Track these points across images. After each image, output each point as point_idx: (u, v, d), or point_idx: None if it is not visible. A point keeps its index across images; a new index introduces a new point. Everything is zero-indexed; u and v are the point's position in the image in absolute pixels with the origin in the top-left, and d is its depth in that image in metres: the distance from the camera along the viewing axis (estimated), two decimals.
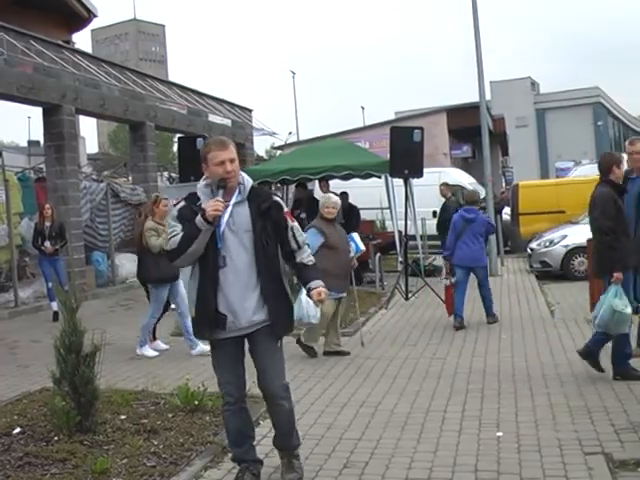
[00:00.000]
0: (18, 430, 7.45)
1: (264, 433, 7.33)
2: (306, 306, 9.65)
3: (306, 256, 6.09)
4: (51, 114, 20.01)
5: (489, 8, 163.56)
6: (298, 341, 11.21)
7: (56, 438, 7.12)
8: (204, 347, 10.69)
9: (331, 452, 6.85)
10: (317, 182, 20.25)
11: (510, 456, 6.49)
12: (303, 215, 18.77)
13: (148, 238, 11.50)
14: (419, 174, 17.43)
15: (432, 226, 22.54)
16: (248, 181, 5.96)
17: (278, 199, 6.09)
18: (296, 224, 6.09)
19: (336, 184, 20.01)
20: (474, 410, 8.00)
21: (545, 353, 10.67)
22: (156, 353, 12.01)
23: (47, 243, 16.00)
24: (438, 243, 22.11)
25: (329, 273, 10.03)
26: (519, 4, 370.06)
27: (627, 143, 10.27)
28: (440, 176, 26.85)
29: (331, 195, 11.94)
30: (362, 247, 12.05)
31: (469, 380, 9.34)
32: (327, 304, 10.16)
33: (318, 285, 6.02)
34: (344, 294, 11.45)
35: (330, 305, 10.73)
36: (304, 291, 6.50)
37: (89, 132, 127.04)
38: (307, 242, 6.16)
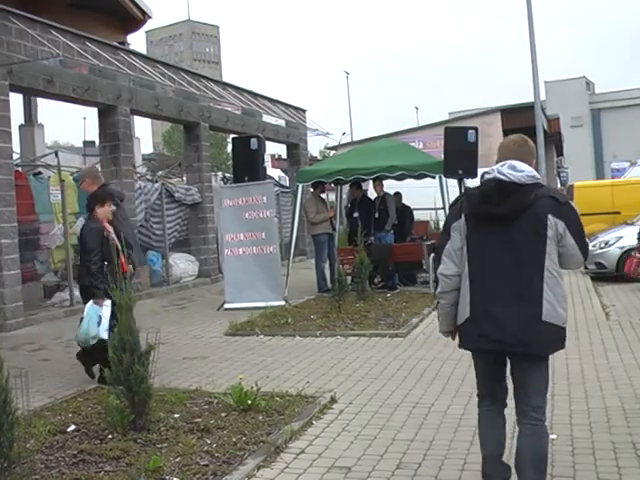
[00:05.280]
0: (73, 428, 7.53)
1: (316, 433, 7.36)
2: None
3: None
4: (106, 115, 20.23)
5: (545, 7, 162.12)
6: None
7: (110, 436, 7.19)
8: None
9: (384, 453, 6.81)
10: (371, 182, 20.23)
11: (564, 459, 6.42)
12: (356, 214, 18.79)
13: None
14: (473, 174, 17.33)
15: None
16: None
17: None
18: None
19: (390, 184, 20.02)
20: None
21: (600, 355, 10.56)
22: None
23: None
24: None
25: None
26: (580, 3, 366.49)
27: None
28: None
29: None
30: None
31: None
32: None
33: None
34: None
35: None
36: None
37: (144, 132, 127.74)
38: None
